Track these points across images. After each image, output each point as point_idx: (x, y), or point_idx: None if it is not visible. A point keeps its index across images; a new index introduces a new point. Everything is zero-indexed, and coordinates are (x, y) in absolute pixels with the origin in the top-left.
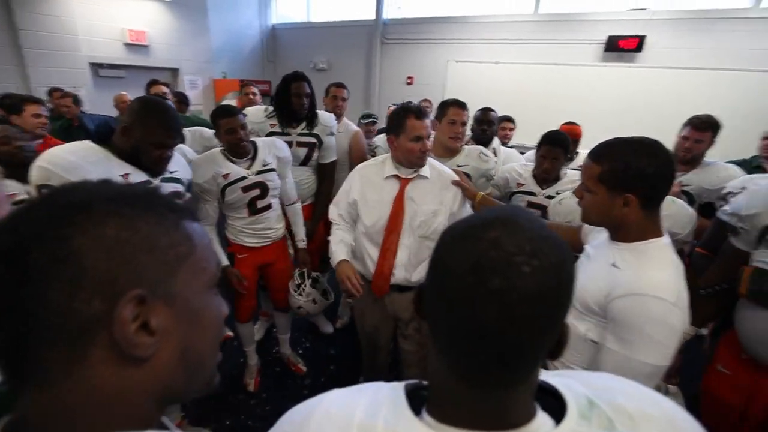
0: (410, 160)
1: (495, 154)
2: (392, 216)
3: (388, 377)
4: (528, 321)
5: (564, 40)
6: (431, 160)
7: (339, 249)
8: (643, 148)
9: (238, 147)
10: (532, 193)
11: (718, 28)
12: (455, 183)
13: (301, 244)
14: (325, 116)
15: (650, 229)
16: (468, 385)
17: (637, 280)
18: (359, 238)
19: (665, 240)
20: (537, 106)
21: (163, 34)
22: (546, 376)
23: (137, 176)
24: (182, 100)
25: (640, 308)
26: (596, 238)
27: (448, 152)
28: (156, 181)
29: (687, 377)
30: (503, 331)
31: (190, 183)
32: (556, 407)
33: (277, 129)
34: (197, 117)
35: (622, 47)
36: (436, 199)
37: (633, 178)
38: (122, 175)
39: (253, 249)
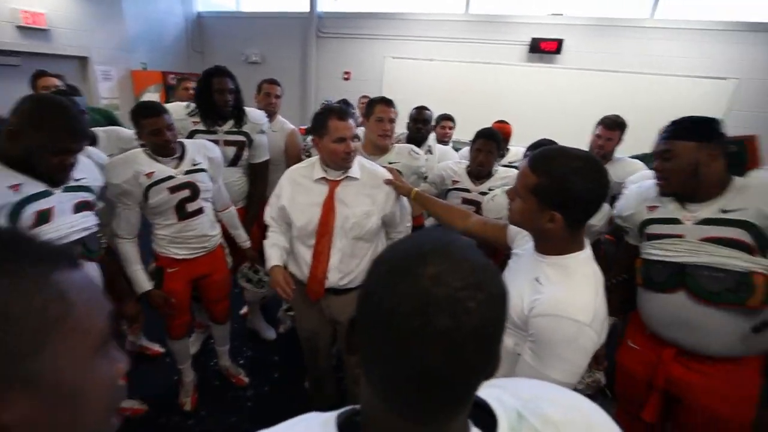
0: (335, 161)
1: (430, 152)
2: (323, 219)
3: (332, 379)
4: (476, 358)
5: (493, 40)
6: (362, 160)
7: (272, 253)
8: (584, 169)
9: (165, 149)
10: (467, 190)
11: (622, 35)
12: (387, 182)
13: (246, 244)
14: (254, 113)
15: (572, 244)
16: (404, 419)
17: (557, 301)
18: (293, 241)
19: (585, 253)
20: (470, 103)
21: (66, 17)
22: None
23: (31, 186)
24: (73, 94)
25: (555, 328)
26: (523, 243)
27: (378, 150)
28: (57, 191)
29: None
30: (451, 374)
31: (103, 190)
32: (488, 422)
33: (201, 127)
34: (109, 112)
35: (544, 49)
36: (367, 199)
37: (566, 200)
38: (11, 187)
39: (185, 261)
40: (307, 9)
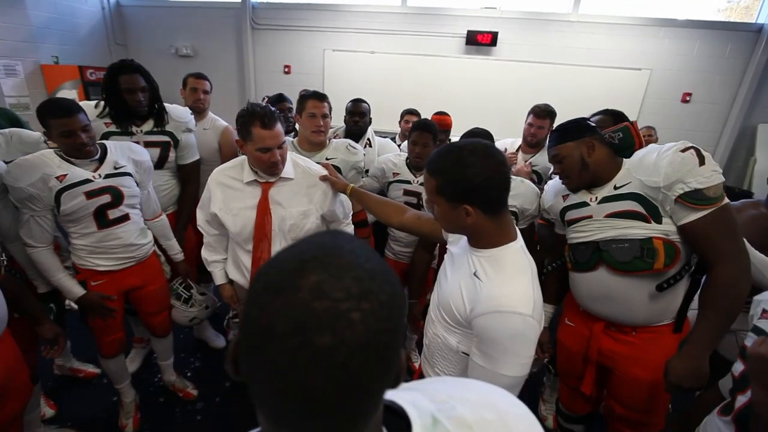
0: (261, 169)
1: (370, 145)
2: (258, 223)
3: None
4: (366, 373)
5: (430, 33)
6: (296, 157)
7: (215, 272)
8: (472, 157)
9: (80, 152)
10: (408, 181)
11: (550, 29)
12: (323, 178)
13: (179, 257)
14: (176, 111)
15: (502, 235)
16: None
17: (497, 296)
18: (232, 246)
19: (518, 243)
20: (411, 95)
21: None
22: (395, 391)
23: None
24: None
25: (499, 324)
26: (458, 239)
27: (314, 146)
28: None
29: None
30: (338, 394)
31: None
32: (403, 427)
33: (115, 128)
34: (11, 113)
35: (480, 41)
36: (304, 199)
37: (467, 190)
38: None
39: (112, 273)
40: None
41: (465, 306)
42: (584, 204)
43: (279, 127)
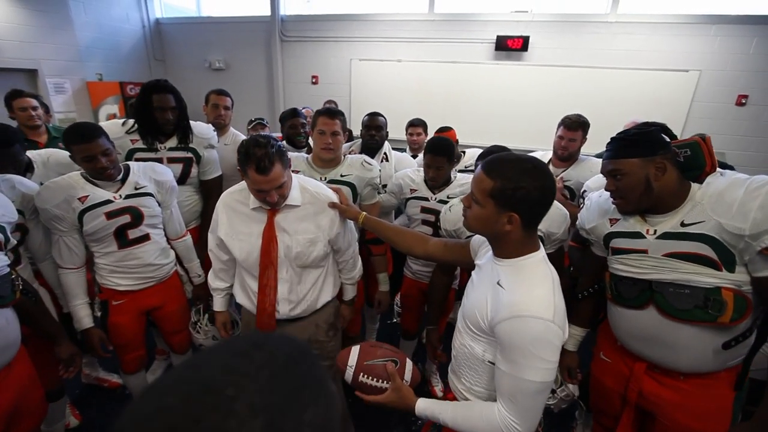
0: (262, 204)
1: (387, 159)
2: (264, 251)
3: None
4: None
5: (459, 39)
6: (304, 181)
7: (216, 298)
8: (535, 171)
9: (102, 175)
10: (425, 198)
11: (586, 31)
12: (332, 205)
13: (198, 279)
14: (200, 127)
15: (528, 245)
16: None
17: (518, 302)
18: (239, 271)
19: (541, 254)
20: (439, 103)
21: (9, 28)
22: None
23: None
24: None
25: (521, 329)
26: (483, 254)
27: (327, 163)
28: None
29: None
30: None
31: (18, 224)
32: None
33: (141, 145)
34: (62, 130)
35: (510, 46)
36: (311, 225)
37: (521, 200)
38: None
39: (132, 293)
40: (268, 13)
41: (488, 314)
42: (638, 235)
43: (277, 170)
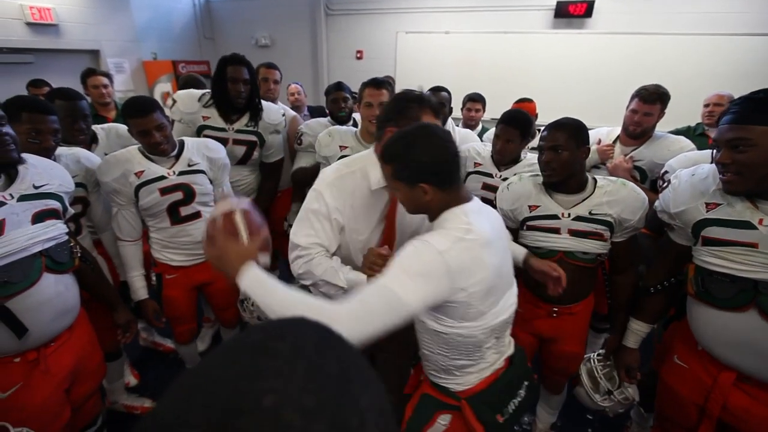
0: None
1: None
2: (386, 235)
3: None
4: None
5: (514, 7)
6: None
7: (349, 274)
8: (415, 139)
9: (156, 150)
10: (489, 174)
11: None
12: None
13: None
14: (271, 110)
15: (451, 202)
16: None
17: (424, 237)
18: (348, 255)
19: (464, 207)
20: (489, 76)
21: (74, 11)
22: None
23: None
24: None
25: (410, 246)
26: None
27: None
28: (11, 201)
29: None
30: None
31: (74, 194)
32: None
33: (212, 123)
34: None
35: (572, 13)
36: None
37: (419, 171)
38: None
39: (183, 268)
40: None
41: None
42: (748, 225)
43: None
